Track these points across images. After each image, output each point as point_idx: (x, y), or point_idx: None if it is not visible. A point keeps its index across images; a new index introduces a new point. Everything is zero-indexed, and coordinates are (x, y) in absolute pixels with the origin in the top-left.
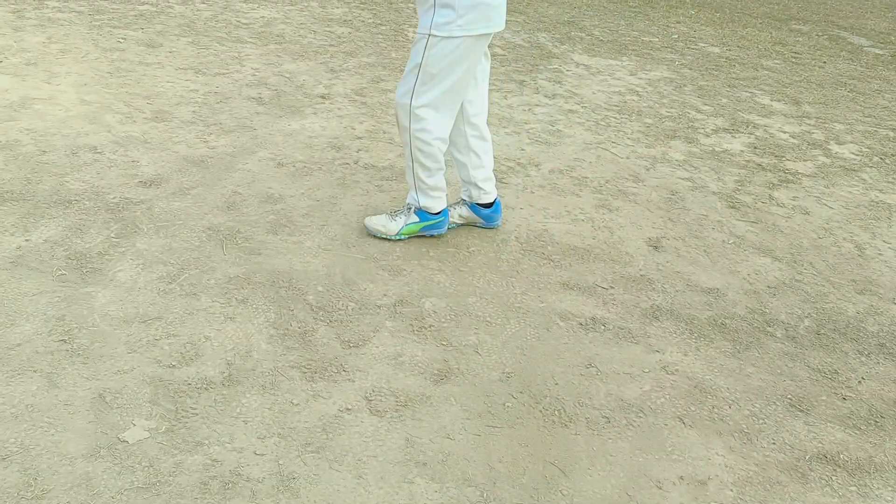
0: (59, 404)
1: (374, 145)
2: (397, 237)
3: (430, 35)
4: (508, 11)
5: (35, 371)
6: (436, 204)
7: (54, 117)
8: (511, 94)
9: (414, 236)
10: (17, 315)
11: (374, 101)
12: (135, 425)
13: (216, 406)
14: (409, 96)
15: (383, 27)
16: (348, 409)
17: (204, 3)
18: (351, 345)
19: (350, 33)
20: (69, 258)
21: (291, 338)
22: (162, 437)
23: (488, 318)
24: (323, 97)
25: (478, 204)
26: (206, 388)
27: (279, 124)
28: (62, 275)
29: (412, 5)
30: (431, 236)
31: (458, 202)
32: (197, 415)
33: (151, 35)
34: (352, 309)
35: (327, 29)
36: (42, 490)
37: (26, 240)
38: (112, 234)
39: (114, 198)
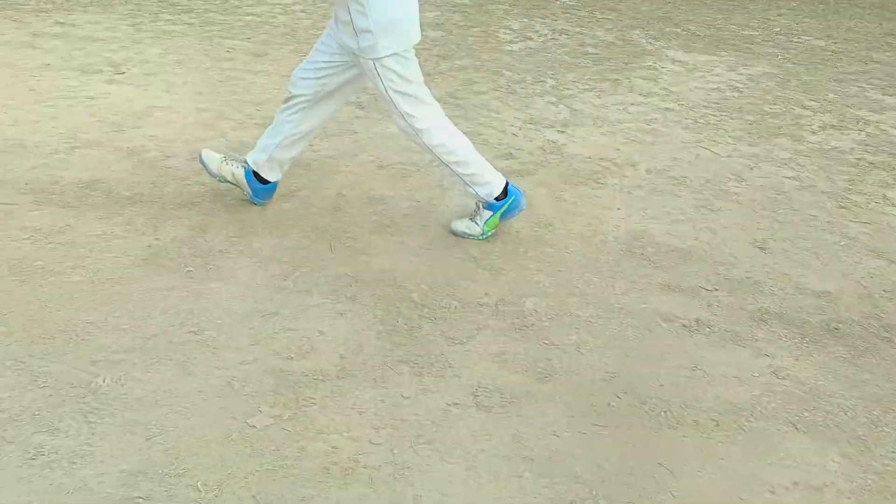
0: (193, 391)
1: None
2: (484, 236)
3: (371, 60)
4: (600, 8)
5: (170, 360)
6: (494, 188)
7: (174, 125)
8: (605, 94)
9: (508, 228)
10: (151, 308)
11: (468, 103)
12: (261, 412)
13: (332, 397)
14: (405, 121)
15: (475, 29)
16: (456, 404)
17: (304, 12)
18: (455, 342)
19: (442, 37)
20: (194, 256)
21: (399, 334)
22: (285, 423)
23: (589, 319)
24: None
25: (256, 175)
26: (322, 380)
27: (378, 127)
28: (189, 271)
29: (503, 6)
30: (513, 216)
31: (241, 162)
32: (315, 404)
33: (257, 44)
34: (455, 307)
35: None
36: (184, 468)
37: (156, 239)
38: (231, 234)
39: (231, 200)
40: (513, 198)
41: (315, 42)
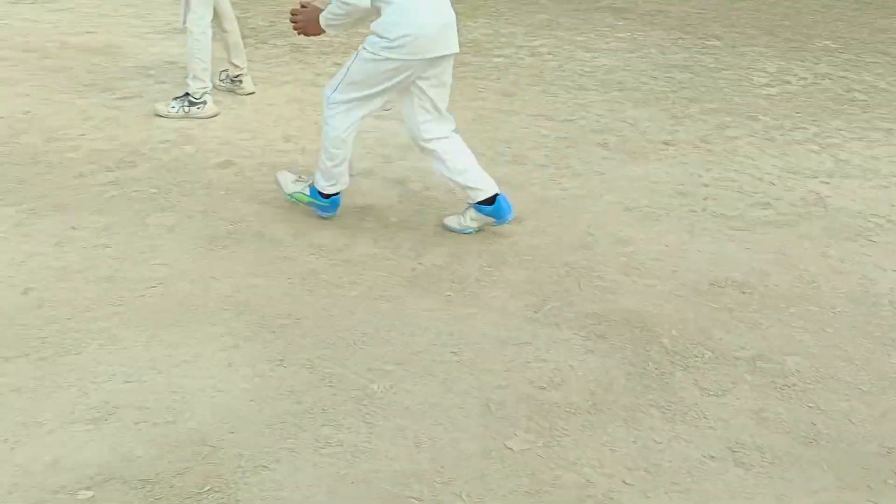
0: (454, 407)
1: (722, 193)
2: (289, 197)
3: (363, 48)
4: (868, 51)
5: (433, 376)
6: (328, 188)
7: None
8: (876, 144)
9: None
10: (416, 326)
11: (719, 148)
12: (517, 436)
13: (584, 431)
14: (332, 89)
15: (726, 72)
16: (712, 457)
17: (550, 53)
18: (710, 393)
19: (691, 79)
20: (453, 282)
21: (648, 377)
22: (540, 450)
23: (861, 386)
24: (666, 143)
25: (478, 203)
26: (573, 413)
27: (625, 169)
28: (448, 296)
29: (757, 48)
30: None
31: (465, 208)
32: (568, 435)
33: (506, 85)
34: (708, 357)
35: (668, 75)
36: (449, 477)
37: (419, 263)
38: (485, 264)
39: (485, 232)
40: (329, 203)
41: (564, 83)
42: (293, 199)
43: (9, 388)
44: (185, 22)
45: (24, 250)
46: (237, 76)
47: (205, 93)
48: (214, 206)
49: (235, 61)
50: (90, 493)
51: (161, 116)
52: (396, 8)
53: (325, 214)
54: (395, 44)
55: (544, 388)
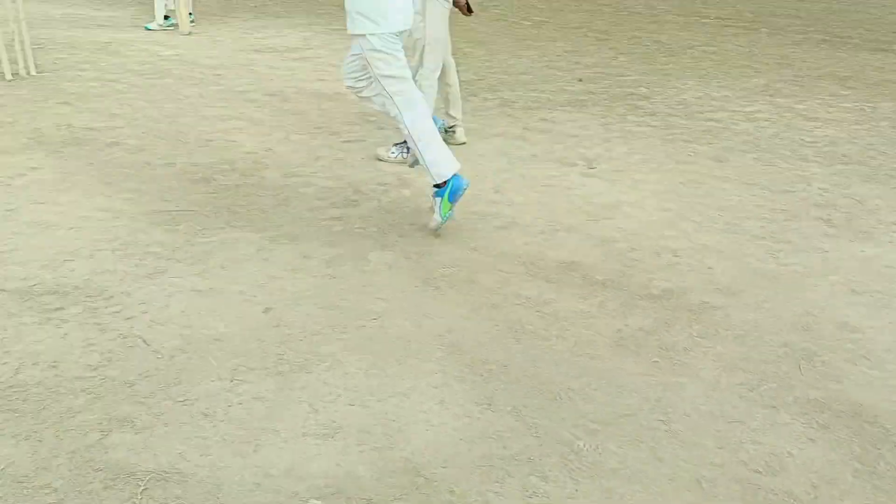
0: (663, 477)
1: None
2: (443, 220)
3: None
4: None
5: (641, 442)
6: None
7: (639, 219)
8: None
9: None
10: (622, 388)
11: None
12: None
13: None
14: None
15: None
16: None
17: (767, 120)
18: None
19: None
20: (660, 347)
21: (881, 478)
22: None
23: None
24: None
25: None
26: (792, 502)
27: (851, 249)
28: (655, 362)
29: None
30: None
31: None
32: None
33: (718, 150)
34: None
35: None
36: None
37: (625, 324)
38: (694, 333)
39: (694, 300)
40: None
41: (783, 152)
42: (445, 217)
43: (252, 396)
44: (415, 76)
45: (265, 273)
46: (451, 127)
47: None
48: (429, 248)
49: (452, 113)
50: (320, 503)
51: (381, 160)
52: None
53: (458, 194)
54: None
55: (760, 472)
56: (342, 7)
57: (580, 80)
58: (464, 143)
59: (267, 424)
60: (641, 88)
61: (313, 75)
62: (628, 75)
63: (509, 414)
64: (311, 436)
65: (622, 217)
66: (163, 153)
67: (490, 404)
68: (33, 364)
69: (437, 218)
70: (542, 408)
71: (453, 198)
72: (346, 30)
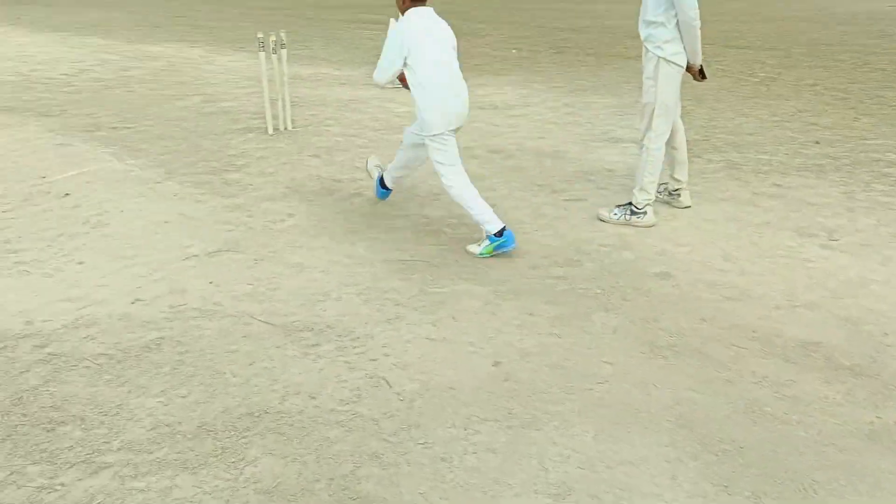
0: None
1: None
2: (482, 256)
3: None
4: None
5: None
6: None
7: (892, 300)
8: None
9: None
10: (880, 489)
11: None
12: None
13: None
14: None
15: None
16: None
17: None
18: None
19: None
20: None
21: None
22: None
23: None
24: None
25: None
26: None
27: None
28: None
29: None
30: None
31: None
32: None
33: None
34: None
35: None
36: None
37: (878, 416)
38: None
39: None
40: (504, 239)
41: None
42: (484, 254)
43: (485, 447)
44: (643, 138)
45: (493, 327)
46: (676, 190)
47: (647, 204)
48: (654, 314)
49: (678, 176)
50: None
51: (603, 221)
52: None
53: (507, 248)
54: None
55: None
56: (560, 64)
57: (817, 143)
58: (688, 207)
59: (499, 477)
60: (889, 154)
61: (534, 132)
62: (872, 139)
63: (748, 500)
64: (542, 494)
65: (871, 296)
66: (397, 205)
67: (727, 486)
68: (295, 394)
69: (475, 250)
70: (786, 498)
71: (498, 249)
72: (563, 87)
